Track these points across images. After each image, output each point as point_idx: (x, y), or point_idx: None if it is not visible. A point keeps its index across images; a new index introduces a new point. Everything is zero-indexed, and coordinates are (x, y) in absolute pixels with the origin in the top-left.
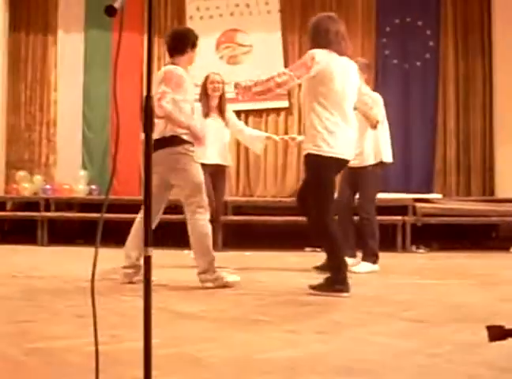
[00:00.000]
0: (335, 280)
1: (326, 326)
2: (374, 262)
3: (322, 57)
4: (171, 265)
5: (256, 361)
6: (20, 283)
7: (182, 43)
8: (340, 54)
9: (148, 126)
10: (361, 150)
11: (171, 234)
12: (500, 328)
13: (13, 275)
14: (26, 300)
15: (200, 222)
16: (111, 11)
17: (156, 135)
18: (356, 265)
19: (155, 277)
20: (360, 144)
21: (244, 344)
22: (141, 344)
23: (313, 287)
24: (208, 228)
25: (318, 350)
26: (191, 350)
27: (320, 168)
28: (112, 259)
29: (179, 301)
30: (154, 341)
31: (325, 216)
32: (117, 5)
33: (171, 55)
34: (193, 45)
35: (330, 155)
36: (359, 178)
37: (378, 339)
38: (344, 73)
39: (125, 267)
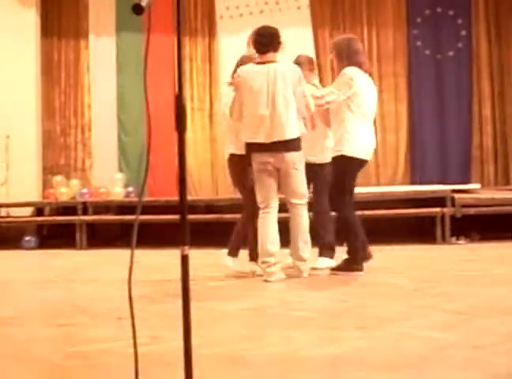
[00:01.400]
0: (352, 261)
1: (367, 321)
2: (332, 257)
3: (357, 76)
4: (209, 264)
5: (299, 358)
6: (60, 287)
7: (277, 40)
8: (366, 71)
9: (181, 125)
10: (321, 147)
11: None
12: None
13: (52, 279)
14: (66, 303)
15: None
16: (138, 9)
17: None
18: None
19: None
20: (320, 141)
21: (286, 341)
22: (181, 344)
23: (332, 268)
24: None
25: (360, 346)
26: (233, 348)
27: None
28: (151, 259)
29: (220, 299)
30: (196, 341)
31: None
32: (144, 3)
33: (264, 52)
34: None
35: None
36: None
37: (420, 332)
38: (370, 88)
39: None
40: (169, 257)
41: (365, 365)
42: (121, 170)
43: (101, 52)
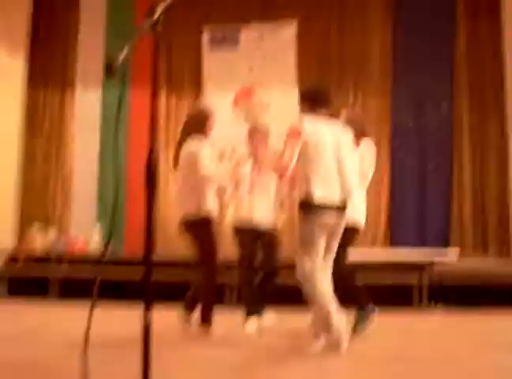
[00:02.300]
0: None
1: None
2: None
3: None
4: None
5: None
6: (21, 344)
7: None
8: None
9: (150, 183)
10: None
11: None
12: None
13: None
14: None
15: None
16: (110, 70)
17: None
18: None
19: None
20: None
21: None
22: None
23: None
24: None
25: None
26: None
27: None
28: (124, 318)
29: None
30: None
31: None
32: (116, 64)
33: (314, 109)
34: None
35: None
36: None
37: None
38: None
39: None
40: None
41: None
42: (100, 222)
43: (86, 104)
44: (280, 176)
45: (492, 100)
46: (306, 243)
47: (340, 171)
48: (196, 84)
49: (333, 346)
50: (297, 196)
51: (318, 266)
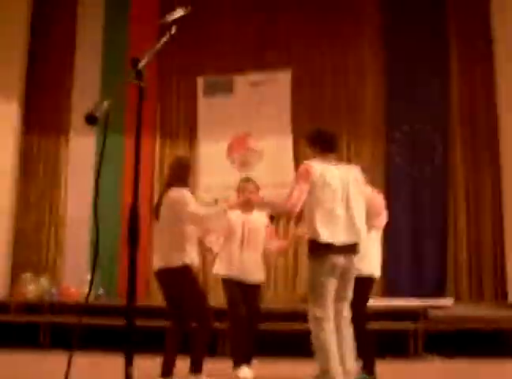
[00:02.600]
0: None
1: None
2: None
3: None
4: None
5: None
6: None
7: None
8: None
9: (133, 236)
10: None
11: None
12: None
13: None
14: None
15: None
16: (91, 120)
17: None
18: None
19: None
20: None
21: None
22: None
23: None
24: None
25: None
26: None
27: None
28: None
29: None
30: None
31: None
32: (98, 113)
33: (323, 153)
34: None
35: None
36: None
37: None
38: None
39: None
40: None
41: None
42: (92, 271)
43: (81, 150)
44: (288, 214)
45: (486, 151)
46: (315, 288)
47: (349, 214)
48: (190, 132)
49: None
50: (305, 238)
51: (327, 314)
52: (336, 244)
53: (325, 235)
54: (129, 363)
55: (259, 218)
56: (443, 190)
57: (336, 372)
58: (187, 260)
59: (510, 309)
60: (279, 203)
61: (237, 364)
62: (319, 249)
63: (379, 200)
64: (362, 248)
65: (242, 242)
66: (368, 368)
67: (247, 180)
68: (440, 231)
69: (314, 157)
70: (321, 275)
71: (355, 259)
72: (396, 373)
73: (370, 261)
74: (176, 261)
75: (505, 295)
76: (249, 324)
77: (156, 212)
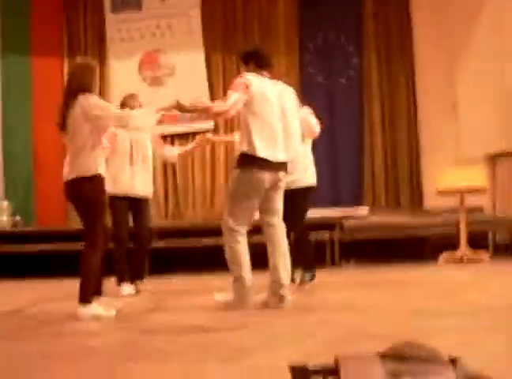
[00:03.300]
0: None
1: (232, 353)
2: None
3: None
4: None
5: None
6: None
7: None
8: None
9: None
10: None
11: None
12: (303, 368)
13: None
14: None
15: None
16: None
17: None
18: None
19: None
20: None
21: (146, 377)
22: None
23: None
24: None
25: None
26: None
27: None
28: (37, 290)
29: (87, 333)
30: None
31: None
32: None
33: (257, 70)
34: None
35: None
36: None
37: (277, 362)
38: None
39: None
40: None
41: None
42: (7, 198)
43: None
44: (223, 115)
45: (400, 55)
46: (235, 201)
47: (285, 128)
48: (99, 50)
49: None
50: (238, 150)
51: (242, 229)
52: (272, 160)
53: (263, 151)
54: None
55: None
56: (359, 101)
57: (248, 279)
58: (93, 171)
59: (425, 215)
60: (215, 105)
61: (120, 282)
62: (251, 164)
63: (313, 120)
64: (300, 160)
65: (130, 155)
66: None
67: (132, 96)
68: (356, 142)
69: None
70: (245, 190)
71: (296, 171)
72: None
73: (307, 172)
74: (85, 172)
75: (420, 202)
76: (139, 240)
77: (62, 123)
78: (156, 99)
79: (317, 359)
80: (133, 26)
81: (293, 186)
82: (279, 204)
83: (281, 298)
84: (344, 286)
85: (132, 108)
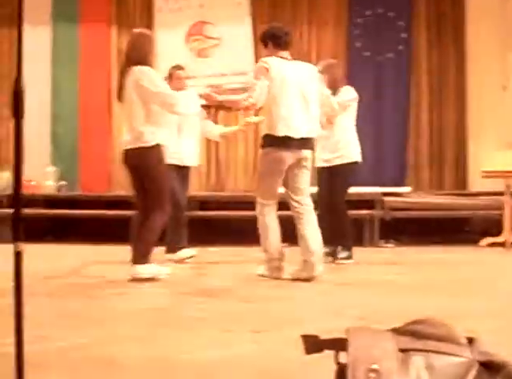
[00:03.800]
0: None
1: (264, 324)
2: None
3: None
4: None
5: (176, 362)
6: None
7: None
8: None
9: (17, 110)
10: None
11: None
12: (315, 337)
13: None
14: None
15: None
16: None
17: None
18: None
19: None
20: None
21: (172, 344)
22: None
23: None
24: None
25: (247, 351)
26: (113, 350)
27: None
28: (80, 255)
29: (124, 297)
30: (79, 341)
31: None
32: None
33: (277, 50)
34: None
35: None
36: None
37: None
38: None
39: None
40: (93, 253)
41: (241, 371)
42: (53, 164)
43: (36, 42)
44: (252, 108)
45: (451, 33)
46: (262, 180)
47: (306, 108)
48: (147, 20)
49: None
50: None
51: (270, 202)
52: (295, 137)
53: (284, 130)
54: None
55: (192, 99)
56: (406, 77)
57: (275, 250)
58: (155, 141)
59: (469, 197)
60: (243, 99)
61: (177, 248)
62: (272, 144)
63: (333, 100)
64: (339, 136)
65: (179, 124)
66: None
67: (180, 68)
68: (402, 120)
69: (269, 56)
70: (268, 168)
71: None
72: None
73: (349, 148)
74: (143, 142)
75: (465, 185)
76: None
77: (118, 93)
78: (202, 71)
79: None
80: None
81: (335, 163)
82: (303, 182)
83: (312, 267)
84: (381, 265)
85: (179, 79)
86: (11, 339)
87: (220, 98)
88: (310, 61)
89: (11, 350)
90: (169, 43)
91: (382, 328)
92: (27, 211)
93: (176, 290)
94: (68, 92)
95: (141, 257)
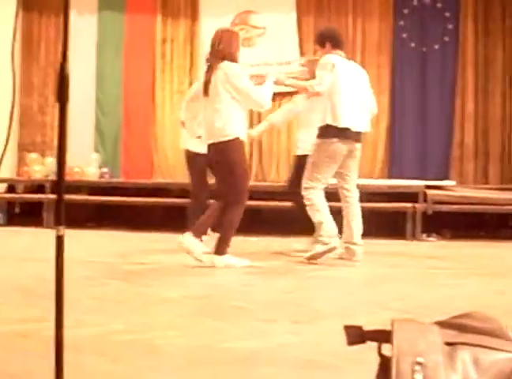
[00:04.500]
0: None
1: (305, 315)
2: None
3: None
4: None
5: (217, 350)
6: (8, 265)
7: None
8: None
9: (62, 96)
10: None
11: None
12: (358, 328)
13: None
14: (8, 281)
15: None
16: None
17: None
18: None
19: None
20: None
21: (212, 333)
22: (103, 330)
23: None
24: None
25: (287, 341)
26: (153, 337)
27: None
28: (121, 242)
29: (166, 285)
30: (119, 327)
31: None
32: None
33: (334, 49)
34: None
35: None
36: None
37: None
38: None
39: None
40: (135, 240)
41: (279, 362)
42: (97, 151)
43: (82, 30)
44: (317, 94)
45: (499, 25)
46: (314, 168)
47: (363, 105)
48: (192, 9)
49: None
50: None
51: (317, 186)
52: (353, 130)
53: (345, 121)
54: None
55: None
56: (452, 69)
57: (331, 223)
58: (238, 135)
59: None
60: (313, 85)
61: None
62: (332, 135)
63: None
64: None
65: None
66: None
67: None
68: (447, 112)
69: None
70: (324, 158)
71: None
72: (393, 252)
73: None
74: (225, 135)
75: (510, 180)
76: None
77: (205, 87)
78: (247, 60)
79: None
80: None
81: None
82: (354, 171)
83: (353, 253)
84: (423, 258)
85: None
86: (50, 323)
87: (288, 82)
88: (355, 53)
89: (51, 333)
90: (213, 31)
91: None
92: (69, 197)
93: (217, 280)
94: (112, 80)
95: (220, 248)
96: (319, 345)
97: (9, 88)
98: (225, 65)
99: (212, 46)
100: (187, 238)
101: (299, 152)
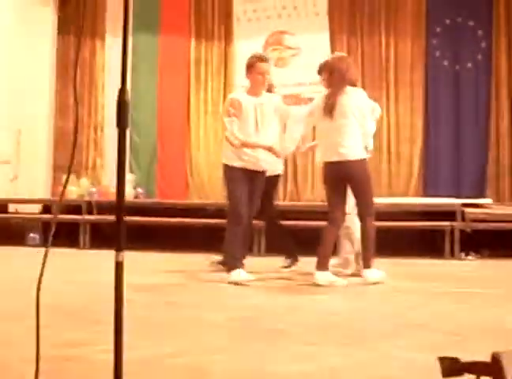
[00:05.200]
0: None
1: (350, 338)
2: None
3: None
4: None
5: (263, 374)
6: (49, 287)
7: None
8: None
9: (122, 120)
10: None
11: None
12: (455, 360)
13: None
14: (50, 304)
15: None
16: None
17: None
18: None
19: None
20: None
21: (257, 356)
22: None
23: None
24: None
25: (335, 364)
26: (200, 360)
27: None
28: (157, 263)
29: (208, 307)
30: (164, 350)
31: None
32: None
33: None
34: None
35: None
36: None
37: (403, 353)
38: None
39: None
40: (172, 261)
41: None
42: (131, 171)
43: (117, 52)
44: None
45: None
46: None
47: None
48: (225, 31)
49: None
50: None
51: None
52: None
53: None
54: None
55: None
56: (486, 88)
57: None
58: (364, 156)
59: None
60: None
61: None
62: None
63: None
64: None
65: (256, 125)
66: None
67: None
68: (482, 131)
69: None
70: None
71: None
72: (431, 271)
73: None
74: (353, 155)
75: None
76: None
77: (330, 110)
78: (280, 80)
79: (434, 350)
80: (259, 6)
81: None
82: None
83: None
84: (462, 278)
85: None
86: (97, 347)
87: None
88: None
89: (99, 357)
90: (247, 52)
91: (473, 345)
92: (102, 217)
93: (257, 301)
94: (147, 101)
95: (320, 264)
96: (368, 368)
97: (45, 110)
98: (353, 90)
99: (339, 71)
100: (319, 276)
101: None
